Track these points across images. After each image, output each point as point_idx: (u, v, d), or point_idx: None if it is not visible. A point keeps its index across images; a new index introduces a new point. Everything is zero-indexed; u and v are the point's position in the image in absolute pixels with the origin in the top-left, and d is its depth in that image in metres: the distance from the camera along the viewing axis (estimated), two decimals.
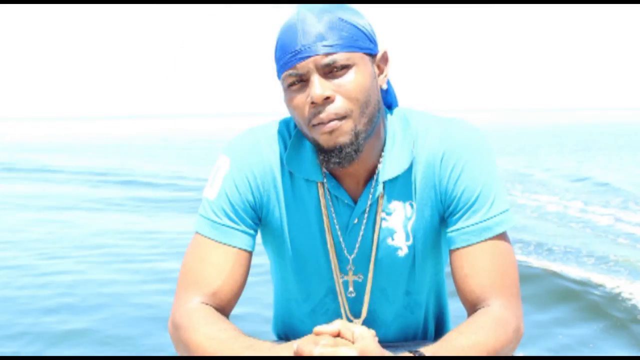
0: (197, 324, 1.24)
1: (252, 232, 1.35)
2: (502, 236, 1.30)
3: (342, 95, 1.21)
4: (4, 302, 4.49)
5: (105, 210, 9.10)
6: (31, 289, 4.82)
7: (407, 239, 1.35)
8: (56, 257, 5.93)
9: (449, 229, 1.31)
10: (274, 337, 1.56)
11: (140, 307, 4.38)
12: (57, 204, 9.68)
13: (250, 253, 1.35)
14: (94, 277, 5.21)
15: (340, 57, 1.21)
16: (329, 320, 1.25)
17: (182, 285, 1.32)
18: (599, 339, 3.85)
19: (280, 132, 1.37)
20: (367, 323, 1.38)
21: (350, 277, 1.38)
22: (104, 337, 3.82)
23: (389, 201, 1.33)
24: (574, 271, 5.15)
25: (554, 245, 6.22)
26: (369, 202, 1.32)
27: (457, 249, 1.30)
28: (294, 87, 1.24)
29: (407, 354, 1.13)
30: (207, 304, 1.29)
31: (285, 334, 1.52)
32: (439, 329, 1.50)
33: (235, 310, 1.36)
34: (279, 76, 1.27)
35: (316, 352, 1.05)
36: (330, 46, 1.20)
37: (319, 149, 1.25)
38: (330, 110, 1.21)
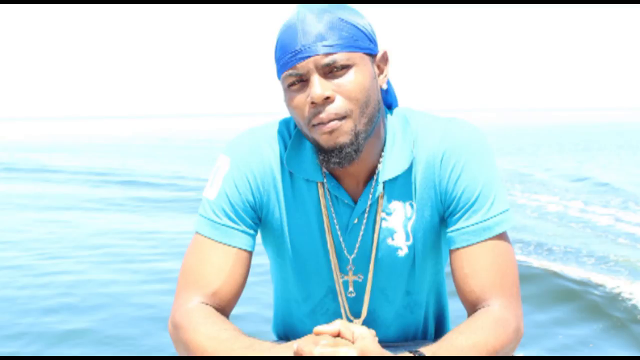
0: (197, 324, 1.24)
1: (252, 232, 1.35)
2: (502, 236, 1.30)
3: (342, 95, 1.21)
4: (4, 302, 4.50)
5: (105, 210, 9.11)
6: (31, 289, 4.83)
7: (407, 239, 1.35)
8: (56, 257, 5.93)
9: (449, 229, 1.31)
10: (274, 337, 1.56)
11: (140, 307, 4.38)
12: (57, 204, 9.68)
13: (251, 253, 1.35)
14: (94, 277, 5.21)
15: (340, 57, 1.21)
16: (329, 320, 1.25)
17: (182, 285, 1.32)
18: (599, 339, 3.85)
19: (280, 132, 1.37)
20: (367, 323, 1.38)
21: (350, 277, 1.38)
22: (104, 337, 3.83)
23: (389, 201, 1.33)
24: (574, 271, 5.15)
25: (554, 245, 6.22)
26: (369, 202, 1.32)
27: (457, 249, 1.30)
28: (294, 87, 1.24)
29: (407, 354, 1.13)
30: (207, 304, 1.29)
31: (285, 334, 1.52)
32: (439, 329, 1.50)
33: (235, 310, 1.36)
34: (279, 76, 1.27)
35: (316, 352, 1.05)
36: (330, 46, 1.20)
37: (319, 149, 1.25)
38: (330, 110, 1.21)
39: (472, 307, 1.30)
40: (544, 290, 4.66)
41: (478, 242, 1.28)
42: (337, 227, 1.34)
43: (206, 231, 1.33)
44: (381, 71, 1.31)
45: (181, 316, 1.27)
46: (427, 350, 1.14)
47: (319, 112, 1.21)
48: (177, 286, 1.34)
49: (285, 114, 1.37)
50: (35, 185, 12.36)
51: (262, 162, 1.35)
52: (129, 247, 6.39)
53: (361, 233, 1.34)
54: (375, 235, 1.34)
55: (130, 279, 5.17)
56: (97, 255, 6.01)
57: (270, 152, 1.35)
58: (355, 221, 1.34)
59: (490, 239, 1.28)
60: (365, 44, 1.24)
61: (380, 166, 1.32)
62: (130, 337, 3.82)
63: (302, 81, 1.23)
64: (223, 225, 1.32)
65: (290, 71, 1.22)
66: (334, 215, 1.34)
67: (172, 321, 1.29)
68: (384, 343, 1.20)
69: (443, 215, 1.34)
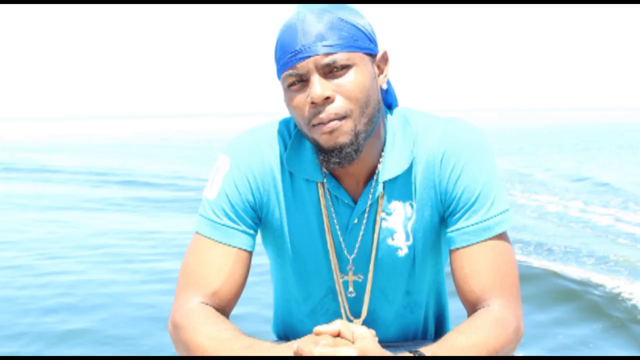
0: (197, 324, 1.24)
1: (252, 232, 1.35)
2: (502, 236, 1.30)
3: (342, 95, 1.21)
4: (4, 302, 4.50)
5: (105, 210, 9.11)
6: (31, 289, 4.83)
7: (407, 238, 1.35)
8: (56, 257, 5.93)
9: (449, 229, 1.31)
10: (274, 337, 1.56)
11: (140, 307, 4.39)
12: (57, 204, 9.68)
13: (251, 253, 1.34)
14: (94, 277, 5.22)
15: (340, 57, 1.20)
16: (328, 320, 1.26)
17: (182, 285, 1.32)
18: (599, 338, 3.85)
19: (280, 132, 1.37)
20: (367, 323, 1.38)
21: (350, 277, 1.38)
22: (104, 337, 3.83)
23: (389, 201, 1.33)
24: (574, 271, 5.15)
25: (554, 245, 6.22)
26: (369, 202, 1.32)
27: (457, 249, 1.30)
28: (294, 87, 1.24)
29: (407, 354, 1.13)
30: (207, 304, 1.29)
31: (285, 334, 1.52)
32: (439, 329, 1.50)
33: (235, 310, 1.36)
34: (279, 76, 1.27)
35: (316, 352, 1.05)
36: (330, 46, 1.20)
37: (319, 149, 1.25)
38: (331, 110, 1.21)
39: (472, 307, 1.30)
40: (544, 290, 4.66)
41: (478, 242, 1.28)
42: (337, 227, 1.34)
43: (206, 231, 1.33)
44: (381, 71, 1.30)
45: (181, 316, 1.27)
46: (427, 350, 1.14)
47: (319, 112, 1.21)
48: (177, 286, 1.34)
49: (285, 114, 1.37)
50: (35, 185, 12.37)
51: (262, 162, 1.35)
52: (129, 247, 6.40)
53: (361, 233, 1.34)
54: (375, 235, 1.34)
55: (130, 279, 5.17)
56: (97, 255, 6.01)
57: (270, 152, 1.35)
58: (355, 221, 1.34)
59: (490, 239, 1.28)
60: (365, 44, 1.24)
61: (380, 166, 1.32)
62: (130, 337, 3.82)
63: (302, 81, 1.22)
64: (223, 225, 1.32)
65: (290, 71, 1.22)
66: (334, 215, 1.34)
67: (172, 321, 1.29)
68: (384, 343, 1.20)
69: (443, 215, 1.34)
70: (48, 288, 4.83)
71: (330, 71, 1.21)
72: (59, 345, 3.69)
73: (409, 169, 1.32)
